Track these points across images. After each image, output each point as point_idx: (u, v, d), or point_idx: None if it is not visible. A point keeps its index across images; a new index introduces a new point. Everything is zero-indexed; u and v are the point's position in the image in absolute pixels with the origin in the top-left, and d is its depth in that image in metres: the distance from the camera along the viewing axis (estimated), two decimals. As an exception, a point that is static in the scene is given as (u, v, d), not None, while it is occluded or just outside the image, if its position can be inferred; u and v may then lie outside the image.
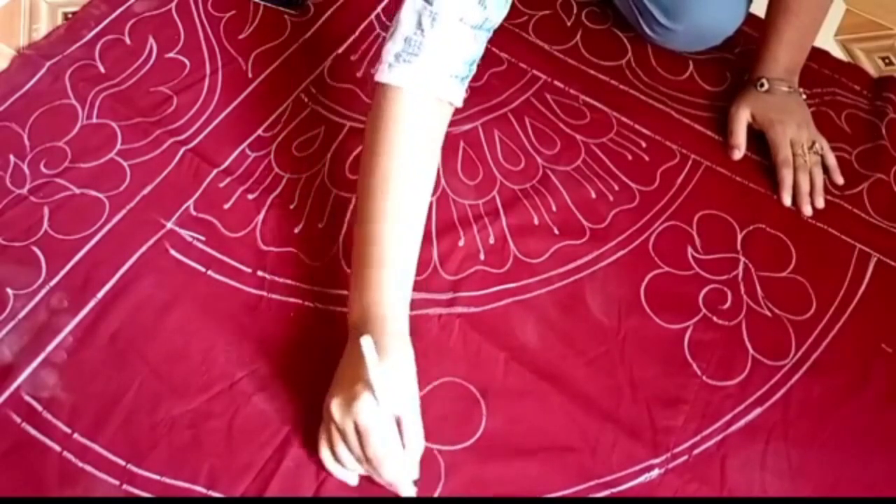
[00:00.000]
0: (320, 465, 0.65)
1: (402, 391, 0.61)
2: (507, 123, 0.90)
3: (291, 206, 0.81)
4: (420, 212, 0.68)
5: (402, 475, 0.60)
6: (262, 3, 0.98)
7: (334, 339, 0.73)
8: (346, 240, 0.79)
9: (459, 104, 0.69)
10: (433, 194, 0.83)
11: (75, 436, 0.67)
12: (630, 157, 0.88)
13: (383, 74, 0.66)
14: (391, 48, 0.65)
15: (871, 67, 1.00)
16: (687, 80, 0.96)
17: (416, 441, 0.61)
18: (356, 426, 0.59)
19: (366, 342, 0.57)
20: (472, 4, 0.64)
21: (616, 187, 0.86)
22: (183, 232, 0.79)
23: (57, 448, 0.66)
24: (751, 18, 0.93)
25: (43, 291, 0.74)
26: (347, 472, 0.64)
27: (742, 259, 0.81)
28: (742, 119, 0.89)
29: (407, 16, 0.65)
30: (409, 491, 0.61)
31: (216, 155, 0.84)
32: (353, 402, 0.58)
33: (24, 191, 0.80)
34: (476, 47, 0.67)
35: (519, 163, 0.87)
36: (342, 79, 0.92)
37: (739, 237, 0.83)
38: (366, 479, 0.64)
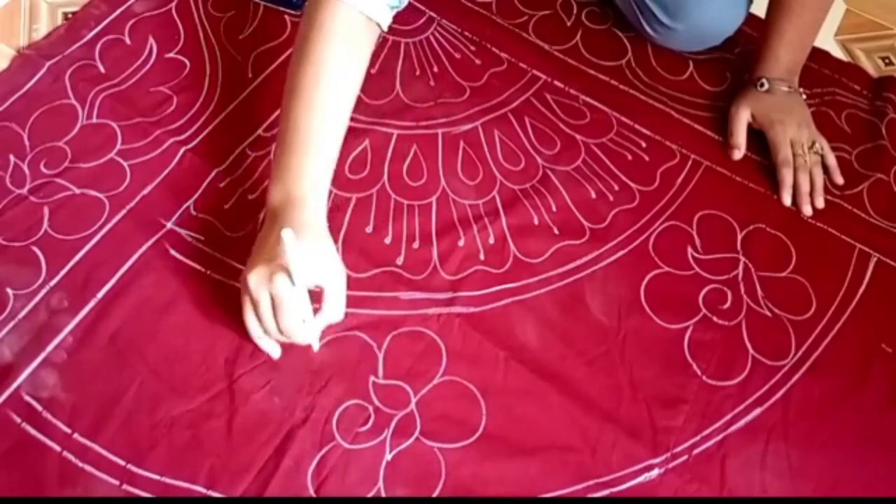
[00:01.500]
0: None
1: (323, 265, 0.65)
2: (507, 123, 0.90)
3: (291, 206, 0.81)
4: (343, 110, 0.71)
5: (313, 337, 0.67)
6: (262, 3, 0.98)
7: (334, 339, 0.73)
8: (346, 239, 0.79)
9: (385, 28, 0.73)
10: (433, 195, 0.83)
11: (75, 436, 0.67)
12: (630, 157, 0.88)
13: None
14: None
15: (871, 67, 1.00)
16: (687, 80, 0.96)
17: (335, 309, 0.67)
18: (272, 298, 0.63)
19: (286, 234, 0.60)
20: None
21: (616, 187, 0.86)
22: (183, 232, 0.79)
23: (57, 448, 0.66)
24: (751, 18, 0.93)
25: (43, 291, 0.74)
26: (271, 342, 0.68)
27: (742, 259, 0.81)
28: (742, 119, 0.89)
29: None
30: (316, 342, 0.68)
31: (216, 155, 0.84)
32: (271, 274, 0.63)
33: (25, 191, 0.80)
34: None
35: (519, 163, 0.87)
36: (342, 79, 0.92)
37: (739, 237, 0.83)
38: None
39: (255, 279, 0.64)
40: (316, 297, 0.66)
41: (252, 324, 0.66)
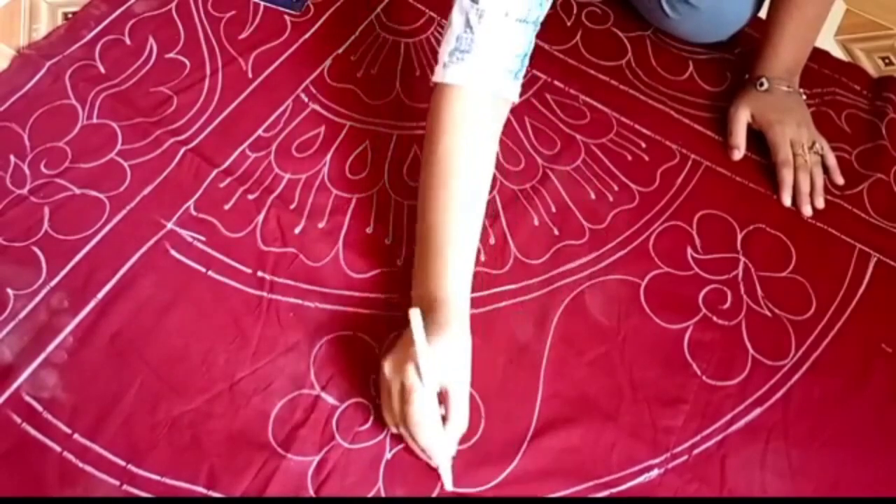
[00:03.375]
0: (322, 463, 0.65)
1: (453, 369, 0.64)
2: (507, 123, 0.89)
3: (292, 207, 0.81)
4: (479, 206, 0.71)
5: (438, 446, 0.63)
6: (262, 3, 0.98)
7: (334, 339, 0.73)
8: (347, 240, 0.79)
9: (516, 99, 0.72)
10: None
11: (75, 436, 0.67)
12: (630, 158, 0.88)
13: (438, 75, 0.69)
14: (445, 48, 0.69)
15: (871, 67, 1.00)
16: (687, 80, 0.96)
17: (459, 417, 0.64)
18: (401, 386, 0.62)
19: (413, 314, 0.60)
20: None
21: (616, 187, 0.86)
22: (183, 232, 0.79)
23: (57, 448, 0.66)
24: (753, 19, 0.93)
25: (43, 292, 0.74)
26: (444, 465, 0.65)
27: (742, 259, 0.81)
28: (742, 119, 0.89)
29: (456, 16, 0.68)
30: (444, 463, 0.64)
31: (216, 155, 0.84)
32: (404, 364, 0.62)
33: (25, 191, 0.80)
34: (524, 40, 0.69)
35: (519, 163, 0.87)
36: (342, 79, 0.92)
37: (739, 237, 0.83)
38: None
39: (388, 366, 0.64)
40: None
41: (386, 413, 0.65)
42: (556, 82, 0.94)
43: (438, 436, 0.63)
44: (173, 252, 0.77)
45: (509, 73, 0.69)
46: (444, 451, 0.64)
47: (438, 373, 0.62)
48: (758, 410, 0.72)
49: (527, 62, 0.71)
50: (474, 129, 0.69)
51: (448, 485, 0.65)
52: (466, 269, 0.69)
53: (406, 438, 0.65)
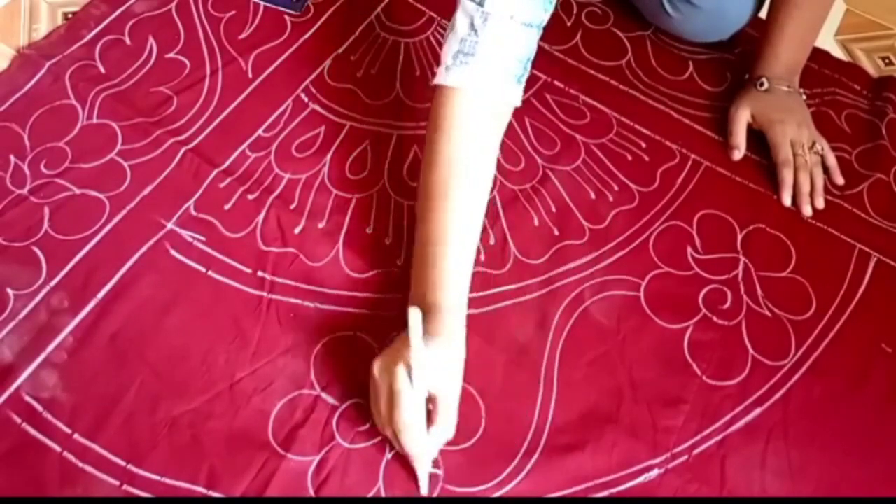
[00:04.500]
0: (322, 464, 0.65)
1: (445, 376, 0.63)
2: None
3: (291, 207, 0.81)
4: (478, 211, 0.70)
5: (421, 451, 0.62)
6: (262, 3, 0.98)
7: (334, 339, 0.73)
8: (347, 240, 0.79)
9: (518, 104, 0.71)
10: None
11: (75, 436, 0.67)
12: (630, 158, 0.88)
13: (441, 77, 0.68)
14: (448, 50, 0.68)
15: (871, 67, 1.00)
16: (687, 80, 0.96)
17: (446, 423, 0.63)
18: (389, 389, 0.61)
19: (413, 313, 0.60)
20: (521, 1, 0.66)
21: (616, 187, 0.86)
22: (183, 232, 0.79)
23: (57, 448, 0.66)
24: (753, 19, 0.93)
25: (43, 292, 0.74)
26: (422, 468, 0.65)
27: (742, 259, 0.81)
28: (742, 119, 0.89)
29: (460, 19, 0.67)
30: (424, 469, 0.64)
31: (216, 155, 0.84)
32: (393, 366, 0.61)
33: (25, 191, 0.80)
34: (528, 44, 0.69)
35: (519, 163, 0.87)
36: (342, 79, 0.92)
37: (739, 237, 0.83)
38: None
39: (378, 367, 0.64)
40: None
41: (375, 415, 0.65)
42: (556, 82, 0.94)
43: (423, 441, 0.62)
44: (173, 252, 0.77)
45: (512, 77, 0.69)
46: (426, 458, 0.64)
47: (429, 377, 0.62)
48: (758, 410, 0.72)
49: (529, 67, 0.71)
50: (476, 133, 0.69)
51: (424, 490, 0.64)
52: (465, 278, 0.69)
53: (392, 440, 0.65)
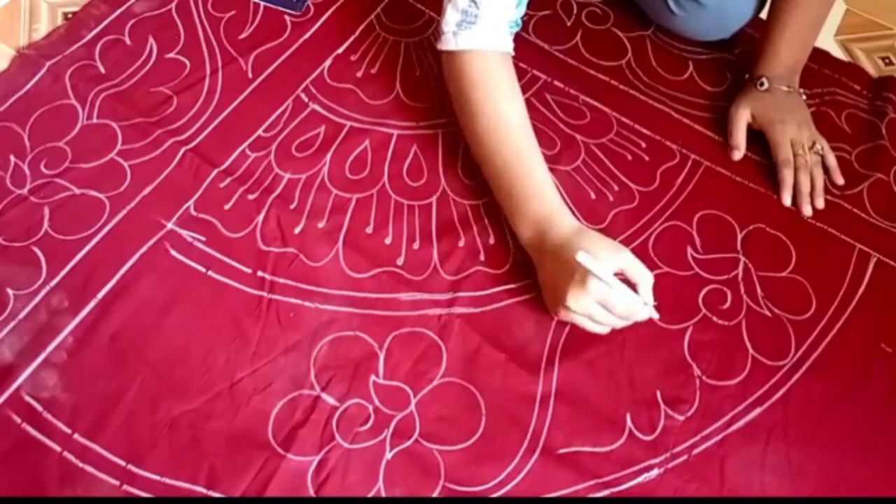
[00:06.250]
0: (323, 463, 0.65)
1: (613, 256, 0.67)
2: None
3: (291, 206, 0.81)
4: (531, 141, 0.75)
5: (636, 304, 0.67)
6: (262, 3, 0.98)
7: (334, 339, 0.73)
8: (347, 240, 0.79)
9: (511, 51, 0.77)
10: (433, 195, 0.83)
11: (75, 436, 0.67)
12: (630, 157, 0.88)
13: (449, 43, 0.75)
14: (450, 19, 0.74)
15: (871, 67, 1.00)
16: (687, 80, 0.96)
17: (643, 275, 0.68)
18: (601, 305, 0.66)
19: (582, 257, 0.64)
20: None
21: (616, 187, 0.86)
22: (183, 232, 0.79)
23: (57, 448, 0.66)
24: (754, 19, 0.93)
25: (43, 292, 0.74)
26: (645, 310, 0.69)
27: (742, 259, 0.81)
28: (742, 119, 0.89)
29: None
30: (651, 313, 0.69)
31: (216, 155, 0.84)
32: (586, 289, 0.65)
33: (25, 191, 0.80)
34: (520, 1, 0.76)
35: (519, 163, 0.87)
36: (342, 79, 0.92)
37: (739, 237, 0.83)
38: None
39: (575, 301, 0.66)
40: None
41: (600, 328, 0.70)
42: (556, 82, 0.94)
43: (635, 298, 0.67)
44: (173, 252, 0.77)
45: (509, 28, 0.75)
46: (648, 307, 0.68)
47: (609, 263, 0.66)
48: (758, 410, 0.72)
49: (523, 9, 0.77)
50: (499, 83, 0.75)
51: (655, 315, 0.69)
52: (549, 177, 0.74)
53: (610, 322, 0.69)
